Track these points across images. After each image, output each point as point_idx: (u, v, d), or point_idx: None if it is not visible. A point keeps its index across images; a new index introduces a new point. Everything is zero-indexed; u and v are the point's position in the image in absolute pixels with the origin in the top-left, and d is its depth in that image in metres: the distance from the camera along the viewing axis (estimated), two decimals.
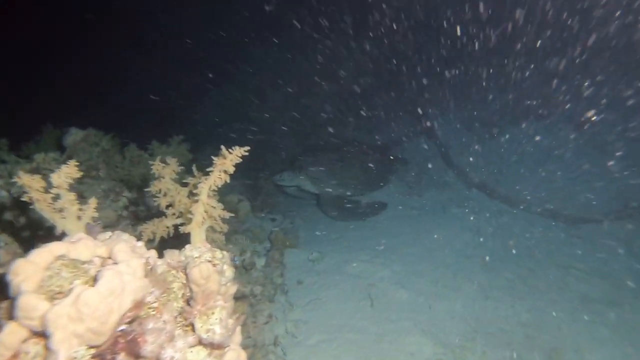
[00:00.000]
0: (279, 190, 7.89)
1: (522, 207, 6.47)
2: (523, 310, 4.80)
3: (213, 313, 1.98)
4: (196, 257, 2.18)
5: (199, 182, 2.24)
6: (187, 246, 2.26)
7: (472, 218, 6.41)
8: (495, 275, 5.26)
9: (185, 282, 2.11)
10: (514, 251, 5.65)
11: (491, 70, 8.73)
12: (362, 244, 6.10)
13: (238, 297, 4.18)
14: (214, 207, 2.32)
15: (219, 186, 2.24)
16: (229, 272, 2.28)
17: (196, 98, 11.65)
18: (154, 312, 1.90)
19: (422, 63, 9.92)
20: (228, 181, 2.22)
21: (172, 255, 2.18)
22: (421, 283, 5.12)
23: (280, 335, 4.34)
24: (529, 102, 7.96)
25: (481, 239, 5.94)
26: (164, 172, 2.43)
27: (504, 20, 8.65)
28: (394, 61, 10.38)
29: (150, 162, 2.44)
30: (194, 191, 2.27)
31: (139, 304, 1.70)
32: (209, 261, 2.18)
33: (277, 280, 4.82)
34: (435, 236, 6.01)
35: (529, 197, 6.70)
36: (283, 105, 10.57)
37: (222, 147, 2.14)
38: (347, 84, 10.58)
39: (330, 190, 7.23)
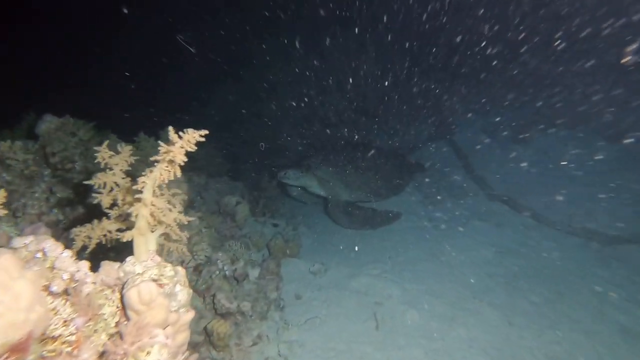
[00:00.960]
0: (284, 193, 7.37)
1: (550, 223, 5.80)
2: (552, 341, 4.15)
3: (148, 354, 1.44)
4: (138, 274, 1.66)
5: (143, 177, 1.71)
6: (129, 259, 1.73)
7: (495, 233, 5.77)
8: (520, 298, 4.62)
9: (121, 306, 1.59)
10: (541, 271, 5.00)
11: (518, 76, 8.11)
12: (370, 256, 5.53)
13: (223, 314, 3.66)
14: (167, 210, 1.80)
15: (167, 182, 1.71)
16: (183, 294, 1.75)
17: (206, 93, 11.26)
18: (68, 349, 1.39)
19: (444, 66, 9.35)
20: (178, 175, 1.69)
21: (109, 269, 1.65)
22: (435, 304, 4.51)
23: (271, 358, 3.79)
24: (559, 110, 7.28)
25: (504, 257, 5.31)
26: (113, 162, 1.93)
27: (530, 23, 8.06)
28: (415, 63, 9.83)
29: (96, 149, 1.94)
30: (138, 187, 1.75)
31: (24, 344, 1.18)
32: (155, 280, 1.65)
33: (271, 295, 4.28)
34: (453, 252, 5.40)
35: (557, 213, 6.03)
36: (294, 103, 10.08)
37: (170, 129, 1.63)
38: (365, 85, 10.07)
39: (340, 194, 6.68)
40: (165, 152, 1.67)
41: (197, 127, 1.81)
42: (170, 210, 1.82)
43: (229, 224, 5.25)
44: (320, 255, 5.63)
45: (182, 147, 1.66)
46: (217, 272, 4.02)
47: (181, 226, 1.93)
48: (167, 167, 1.70)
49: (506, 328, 4.25)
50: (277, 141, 9.90)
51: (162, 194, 1.91)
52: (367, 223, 6.31)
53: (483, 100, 8.54)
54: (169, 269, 1.73)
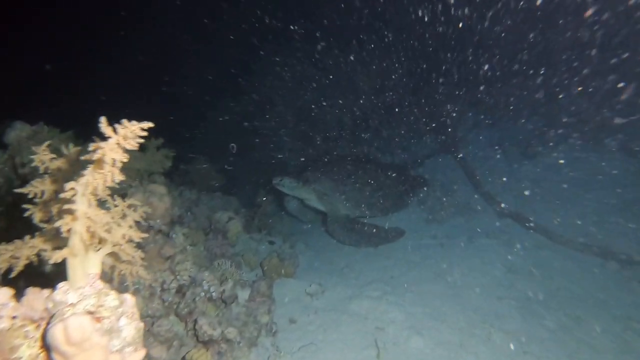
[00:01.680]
0: (281, 209, 7.04)
1: (564, 242, 5.42)
2: None
3: None
4: (70, 305, 1.32)
5: (72, 183, 1.39)
6: (61, 285, 1.40)
7: (504, 252, 5.39)
8: (534, 323, 4.23)
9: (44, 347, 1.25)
10: (556, 294, 4.61)
11: (525, 86, 7.82)
12: (371, 276, 5.16)
13: (205, 342, 3.29)
14: (112, 224, 1.47)
15: (105, 186, 1.39)
16: (129, 329, 1.41)
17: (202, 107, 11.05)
18: None
19: (449, 77, 9.09)
20: (117, 179, 1.38)
21: (33, 299, 1.32)
22: (442, 330, 4.13)
23: None
24: (571, 121, 6.96)
25: (516, 277, 4.92)
26: (54, 166, 1.61)
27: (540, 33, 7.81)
28: (419, 75, 9.59)
29: (34, 150, 1.63)
30: (66, 196, 1.42)
31: None
32: (91, 312, 1.32)
33: (262, 319, 3.91)
34: (460, 272, 5.03)
35: (571, 230, 5.65)
36: (293, 118, 9.82)
37: (102, 120, 1.32)
38: (366, 98, 9.82)
39: (339, 209, 6.33)
40: (101, 151, 1.35)
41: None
42: (118, 224, 1.50)
43: (220, 241, 4.91)
44: (318, 274, 5.27)
45: (117, 144, 1.35)
46: (202, 294, 3.67)
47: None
48: (101, 169, 1.38)
49: (520, 357, 3.85)
50: (277, 156, 9.63)
51: (114, 205, 1.59)
52: (368, 240, 5.95)
53: (490, 113, 8.23)
54: (111, 298, 1.40)
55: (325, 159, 6.76)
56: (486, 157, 7.71)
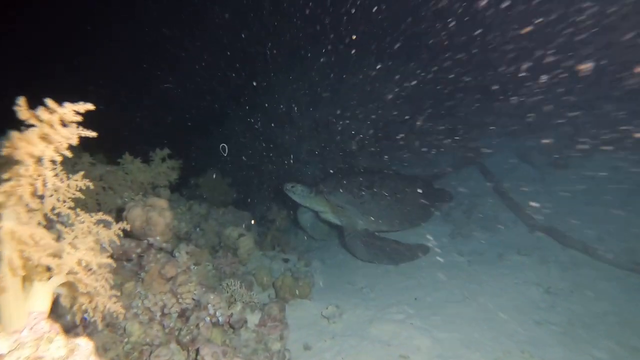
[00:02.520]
0: (296, 225, 6.69)
1: (606, 259, 4.91)
2: None
3: None
4: None
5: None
6: None
7: (539, 270, 4.91)
8: (581, 353, 3.74)
9: None
10: (604, 319, 4.11)
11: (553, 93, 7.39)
12: (393, 297, 4.75)
13: None
14: (59, 247, 1.15)
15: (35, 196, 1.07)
16: None
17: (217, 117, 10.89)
18: None
19: (471, 85, 8.73)
20: (53, 184, 1.05)
21: None
22: (474, 359, 3.68)
23: None
24: (605, 131, 6.49)
25: (555, 299, 4.44)
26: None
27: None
28: (441, 86, 9.24)
29: None
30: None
31: None
32: None
33: (274, 346, 3.54)
34: (491, 292, 4.57)
35: (612, 246, 5.14)
36: (310, 131, 9.55)
37: (21, 101, 0.99)
38: (387, 110, 9.50)
39: (355, 222, 5.95)
40: (17, 144, 1.02)
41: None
42: (73, 247, 1.17)
43: (230, 259, 4.58)
44: (336, 295, 4.88)
45: (42, 135, 1.02)
46: (207, 318, 3.33)
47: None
48: (26, 171, 1.05)
49: None
50: (292, 170, 9.35)
51: (78, 221, 1.27)
52: (389, 257, 5.54)
53: (517, 122, 7.80)
54: (56, 346, 1.06)
55: (342, 170, 6.40)
56: (513, 167, 7.25)
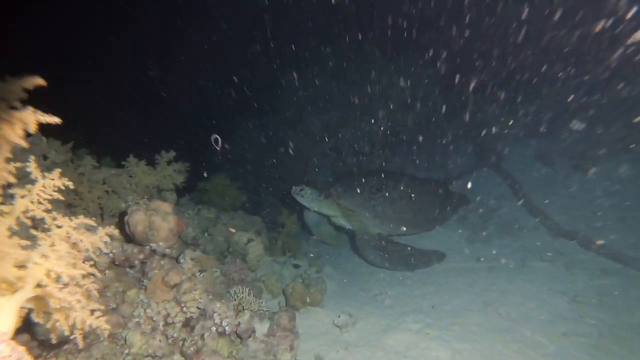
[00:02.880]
0: (308, 231, 6.50)
1: (638, 265, 4.63)
2: None
3: None
4: None
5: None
6: None
7: (564, 277, 4.65)
8: None
9: None
10: (637, 330, 3.83)
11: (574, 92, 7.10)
12: (410, 305, 4.53)
13: None
14: (27, 257, 0.98)
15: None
16: None
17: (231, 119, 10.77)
18: None
19: (487, 85, 8.46)
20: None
21: None
22: None
23: None
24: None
25: (583, 309, 4.17)
26: None
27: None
28: (456, 85, 9.00)
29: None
30: None
31: None
32: None
33: (283, 357, 3.35)
34: (514, 300, 4.32)
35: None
36: (322, 133, 9.38)
37: None
38: (400, 111, 9.29)
39: (367, 226, 5.74)
40: None
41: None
42: (42, 256, 1.01)
43: (239, 266, 4.41)
44: (348, 302, 4.67)
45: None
46: (213, 328, 3.15)
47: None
48: None
49: None
50: (303, 172, 9.19)
51: (56, 225, 1.10)
52: (404, 262, 5.32)
53: (536, 123, 7.53)
54: None
55: (353, 172, 6.20)
56: (533, 170, 6.98)
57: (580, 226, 5.41)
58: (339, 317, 4.16)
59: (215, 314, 3.20)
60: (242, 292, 3.91)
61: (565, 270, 4.78)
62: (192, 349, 2.90)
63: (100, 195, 3.33)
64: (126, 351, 2.68)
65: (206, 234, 4.85)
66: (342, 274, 5.63)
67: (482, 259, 5.33)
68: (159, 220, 2.91)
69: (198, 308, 3.15)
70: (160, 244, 3.00)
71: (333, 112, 9.48)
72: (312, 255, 6.37)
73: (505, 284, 4.62)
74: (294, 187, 5.71)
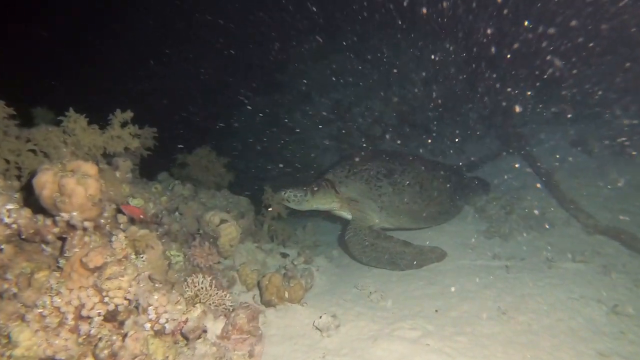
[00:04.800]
0: (302, 214, 5.77)
1: None
2: None
3: None
4: None
5: None
6: None
7: (601, 282, 3.80)
8: None
9: None
10: None
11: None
12: (409, 307, 3.78)
13: None
14: None
15: None
16: None
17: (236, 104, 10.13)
18: None
19: (514, 64, 7.54)
20: None
21: None
22: None
23: None
24: None
25: (625, 322, 3.34)
26: None
27: None
28: (480, 64, 8.09)
29: None
30: None
31: None
32: None
33: None
34: (536, 308, 3.52)
35: None
36: (330, 114, 8.64)
37: None
38: (418, 91, 8.48)
39: (370, 217, 4.98)
40: None
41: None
42: None
43: (207, 250, 3.74)
44: (337, 300, 3.95)
45: None
46: (147, 325, 2.49)
47: None
48: None
49: None
50: (309, 155, 8.49)
51: None
52: (394, 261, 4.53)
53: (569, 106, 6.59)
54: None
55: (359, 156, 5.45)
56: (566, 157, 6.06)
57: (623, 222, 4.51)
58: (321, 317, 3.44)
59: (151, 307, 2.53)
60: (203, 282, 3.23)
61: (602, 274, 3.93)
62: (106, 352, 2.23)
63: (22, 154, 2.70)
64: (8, 353, 2.03)
65: (177, 212, 4.20)
66: (336, 267, 4.93)
67: (500, 256, 4.50)
68: (71, 183, 2.24)
69: (127, 299, 2.48)
70: (74, 214, 2.33)
71: (344, 90, 8.74)
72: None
73: (527, 288, 3.80)
74: (277, 195, 5.01)
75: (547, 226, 4.90)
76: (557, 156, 6.13)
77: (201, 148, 5.18)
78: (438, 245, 4.83)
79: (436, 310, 3.66)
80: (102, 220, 2.64)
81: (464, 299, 3.77)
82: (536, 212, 5.14)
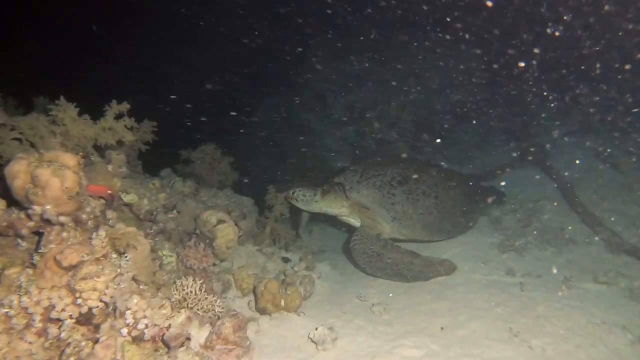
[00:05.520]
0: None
1: None
2: None
3: None
4: None
5: None
6: None
7: (626, 307, 3.48)
8: None
9: None
10: None
11: None
12: (413, 323, 3.52)
13: None
14: None
15: None
16: None
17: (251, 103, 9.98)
18: None
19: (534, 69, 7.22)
20: None
21: None
22: None
23: None
24: None
25: None
26: None
27: None
28: (497, 67, 7.78)
29: None
30: None
31: None
32: None
33: None
34: (552, 332, 3.22)
35: None
36: (345, 116, 8.42)
37: None
38: (434, 96, 8.21)
39: (382, 226, 4.72)
40: None
41: None
42: None
43: (201, 252, 3.55)
44: (336, 312, 3.73)
45: None
46: (124, 330, 2.30)
47: None
48: None
49: None
50: (321, 158, 8.27)
51: None
52: (401, 272, 4.26)
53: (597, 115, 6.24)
54: None
55: (372, 160, 5.20)
56: (590, 170, 5.71)
57: None
58: (317, 329, 3.21)
59: (129, 311, 2.34)
60: (192, 285, 3.05)
61: (628, 298, 3.61)
62: (72, 359, 2.05)
63: (3, 142, 2.56)
64: None
65: (175, 210, 4.03)
66: (340, 275, 4.69)
67: (514, 272, 4.21)
68: (46, 174, 2.07)
69: (102, 302, 2.30)
70: (47, 207, 2.16)
71: (360, 92, 8.51)
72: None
73: (543, 309, 3.50)
74: (287, 192, 4.78)
75: (567, 242, 4.58)
76: (581, 168, 5.78)
77: (206, 145, 5.02)
78: (449, 257, 4.57)
79: (442, 328, 3.39)
80: (84, 216, 2.46)
81: (473, 317, 3.49)
82: (555, 226, 4.83)
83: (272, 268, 4.50)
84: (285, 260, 4.65)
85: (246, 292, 3.76)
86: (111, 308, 2.36)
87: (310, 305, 3.84)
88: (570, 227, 4.77)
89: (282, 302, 3.49)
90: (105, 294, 2.28)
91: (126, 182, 3.43)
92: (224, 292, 3.71)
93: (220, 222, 3.76)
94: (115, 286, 2.35)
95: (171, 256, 3.48)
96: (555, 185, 5.57)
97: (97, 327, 2.33)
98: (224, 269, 3.93)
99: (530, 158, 6.20)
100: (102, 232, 2.42)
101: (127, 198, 3.44)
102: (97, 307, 2.26)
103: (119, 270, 2.38)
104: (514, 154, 6.75)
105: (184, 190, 4.37)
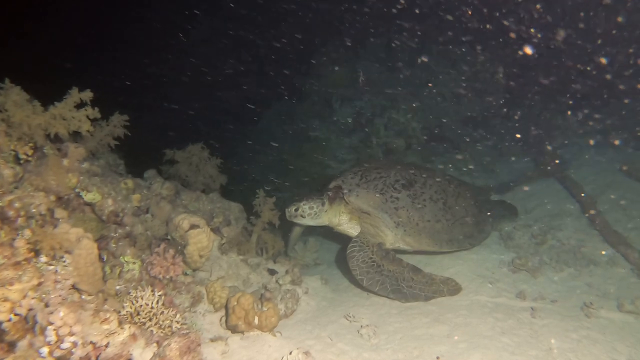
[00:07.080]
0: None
1: None
2: None
3: None
4: None
5: None
6: None
7: None
8: None
9: None
10: None
11: None
12: (405, 350, 3.07)
13: None
14: None
15: None
16: None
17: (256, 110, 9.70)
18: None
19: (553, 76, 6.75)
20: None
21: None
22: None
23: None
24: None
25: None
26: None
27: None
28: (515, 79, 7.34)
29: None
30: None
31: None
32: None
33: None
34: None
35: None
36: (351, 123, 8.04)
37: None
38: (446, 104, 7.80)
39: (385, 234, 4.23)
40: None
41: None
42: None
43: (169, 260, 3.18)
44: (319, 333, 3.30)
45: None
46: (44, 349, 1.93)
47: None
48: None
49: None
50: (326, 166, 7.88)
51: None
52: (399, 289, 3.79)
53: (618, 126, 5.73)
54: None
55: (374, 163, 4.78)
56: (613, 184, 5.18)
57: None
58: (291, 353, 2.79)
59: (50, 327, 1.96)
60: (149, 296, 2.67)
61: None
62: None
63: None
64: None
65: (149, 213, 3.68)
66: (330, 292, 4.26)
67: (525, 295, 3.71)
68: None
69: (17, 315, 1.93)
70: None
71: (367, 99, 8.14)
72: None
73: (556, 338, 3.01)
74: (287, 211, 4.35)
75: (587, 263, 4.07)
76: (603, 182, 5.26)
77: (193, 144, 4.67)
78: (453, 274, 4.11)
79: (438, 358, 2.93)
80: (11, 212, 2.11)
81: (475, 347, 3.01)
82: (574, 244, 4.32)
83: (255, 280, 4.10)
84: (272, 272, 4.25)
85: (218, 306, 3.36)
86: (31, 323, 1.99)
87: (291, 324, 3.43)
88: (590, 246, 4.25)
89: (256, 320, 3.07)
90: (20, 305, 1.92)
91: (87, 180, 3.09)
92: (193, 305, 3.32)
93: (193, 227, 3.38)
94: (38, 295, 1.98)
95: (134, 263, 3.12)
96: (575, 199, 5.06)
97: (11, 346, 1.96)
98: (198, 280, 3.55)
99: (548, 168, 5.70)
100: (27, 232, 2.06)
101: (87, 197, 3.11)
102: (9, 320, 1.89)
103: (43, 278, 2.02)
104: (530, 165, 6.26)
105: (161, 192, 4.02)
